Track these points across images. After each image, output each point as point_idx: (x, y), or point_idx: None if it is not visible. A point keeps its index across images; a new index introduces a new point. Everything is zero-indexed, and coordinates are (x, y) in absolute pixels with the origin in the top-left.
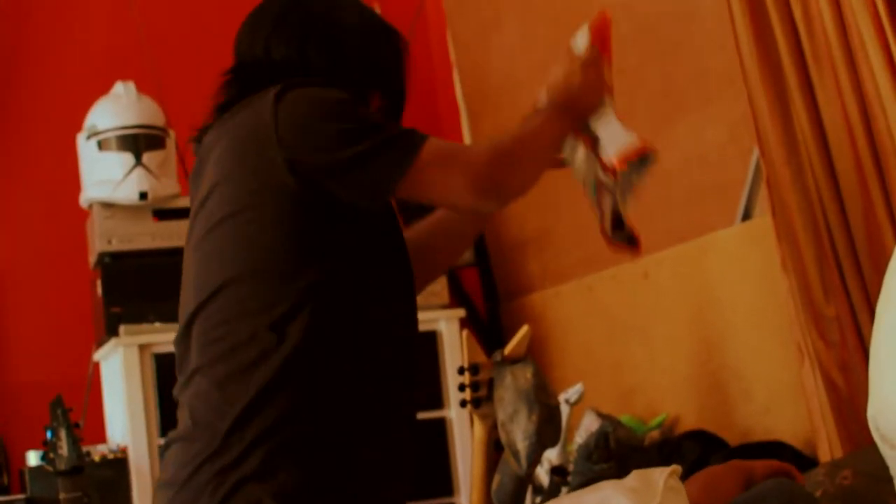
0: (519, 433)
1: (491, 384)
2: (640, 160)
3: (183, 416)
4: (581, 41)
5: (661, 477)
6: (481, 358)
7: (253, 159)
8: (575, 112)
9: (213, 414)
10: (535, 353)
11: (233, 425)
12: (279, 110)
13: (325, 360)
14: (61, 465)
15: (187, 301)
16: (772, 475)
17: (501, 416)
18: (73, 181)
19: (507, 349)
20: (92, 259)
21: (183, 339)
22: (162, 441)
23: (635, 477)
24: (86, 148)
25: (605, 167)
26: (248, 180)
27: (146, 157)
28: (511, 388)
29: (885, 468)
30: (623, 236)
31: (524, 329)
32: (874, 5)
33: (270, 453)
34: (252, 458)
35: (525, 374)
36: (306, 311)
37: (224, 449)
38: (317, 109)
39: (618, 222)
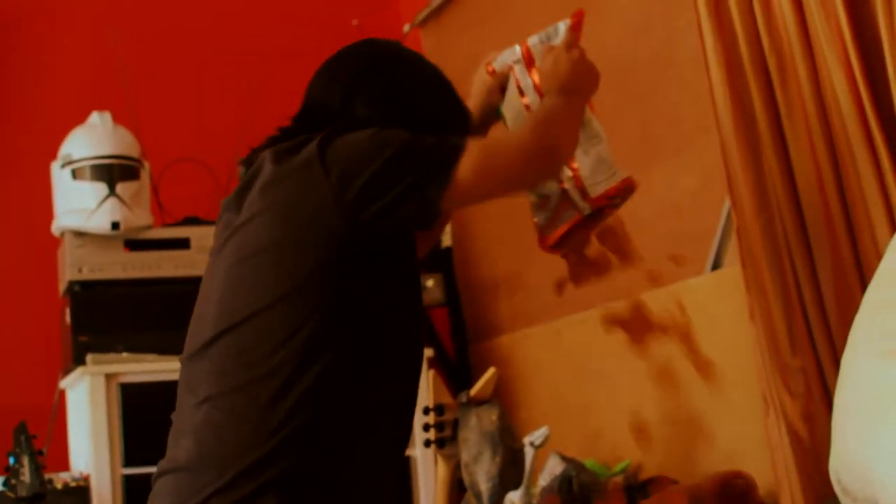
0: (482, 474)
1: (456, 425)
2: (621, 195)
3: (185, 444)
4: (560, 30)
5: None
6: (447, 398)
7: (301, 197)
8: (576, 92)
9: (224, 447)
10: (501, 395)
11: (246, 462)
12: (326, 145)
13: (340, 406)
14: (23, 492)
15: (206, 323)
16: (721, 485)
17: (465, 457)
18: (46, 209)
19: (474, 391)
20: (62, 287)
21: (196, 360)
22: (126, 471)
23: None
24: (60, 176)
25: (583, 193)
26: (292, 217)
27: (120, 188)
28: (476, 429)
29: None
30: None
31: (491, 371)
32: (848, 60)
33: (281, 494)
34: (265, 498)
35: (490, 416)
36: (327, 355)
37: (235, 484)
38: (359, 139)
39: (567, 237)
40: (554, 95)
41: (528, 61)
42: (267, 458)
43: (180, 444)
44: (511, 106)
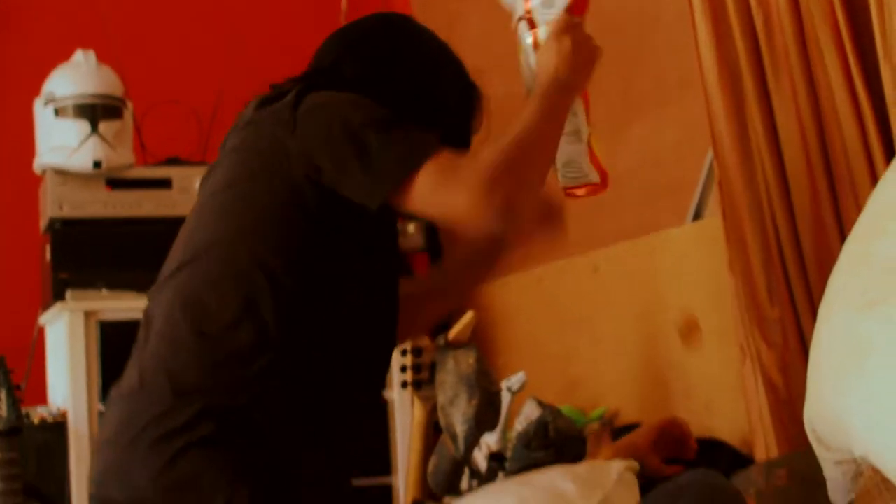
0: (458, 417)
1: (433, 367)
2: (588, 194)
3: (132, 373)
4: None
5: (615, 469)
6: (425, 341)
7: (268, 141)
8: (564, 90)
9: (164, 376)
10: (480, 341)
11: (184, 389)
12: (302, 96)
13: (289, 340)
14: None
15: (172, 259)
16: (657, 434)
17: (441, 399)
18: (28, 146)
19: (451, 333)
20: (43, 224)
21: (156, 295)
22: (103, 408)
23: (588, 466)
24: (42, 114)
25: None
26: (259, 158)
27: (102, 127)
28: (453, 372)
29: (820, 471)
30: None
31: (469, 314)
32: (834, 16)
33: (220, 422)
34: (201, 426)
35: (468, 359)
36: (279, 289)
37: (172, 412)
38: (336, 100)
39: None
40: (536, 100)
41: (529, 22)
42: (204, 387)
43: (128, 374)
44: (523, 65)
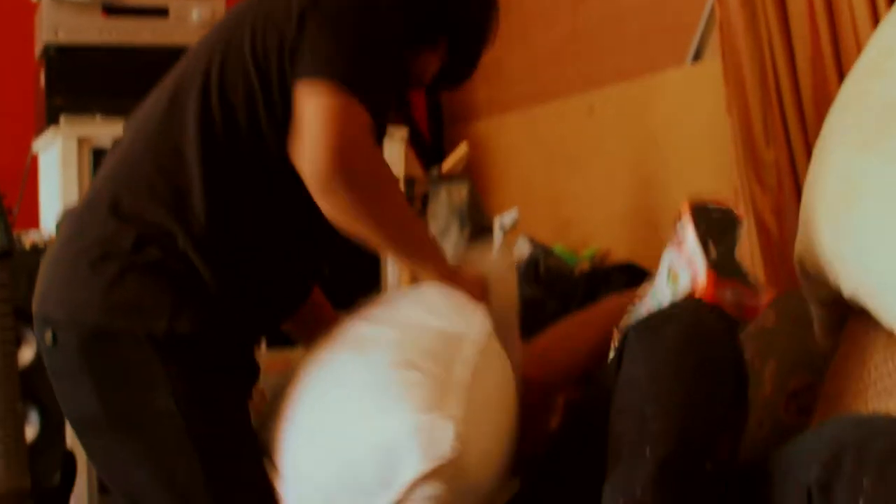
0: (449, 248)
1: (425, 198)
2: None
3: (85, 195)
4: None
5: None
6: (418, 172)
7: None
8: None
9: (112, 198)
10: (474, 181)
11: (128, 214)
12: None
13: (235, 196)
14: None
15: (164, 86)
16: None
17: (433, 229)
18: None
19: (445, 166)
20: (38, 50)
21: (134, 118)
22: None
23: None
24: None
25: None
26: (263, 20)
27: None
28: (445, 203)
29: (808, 312)
30: None
31: (463, 147)
32: None
33: (165, 251)
34: (147, 251)
35: (460, 192)
36: (235, 149)
37: (117, 234)
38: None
39: None
40: (430, 242)
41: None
42: (153, 216)
43: (86, 191)
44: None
